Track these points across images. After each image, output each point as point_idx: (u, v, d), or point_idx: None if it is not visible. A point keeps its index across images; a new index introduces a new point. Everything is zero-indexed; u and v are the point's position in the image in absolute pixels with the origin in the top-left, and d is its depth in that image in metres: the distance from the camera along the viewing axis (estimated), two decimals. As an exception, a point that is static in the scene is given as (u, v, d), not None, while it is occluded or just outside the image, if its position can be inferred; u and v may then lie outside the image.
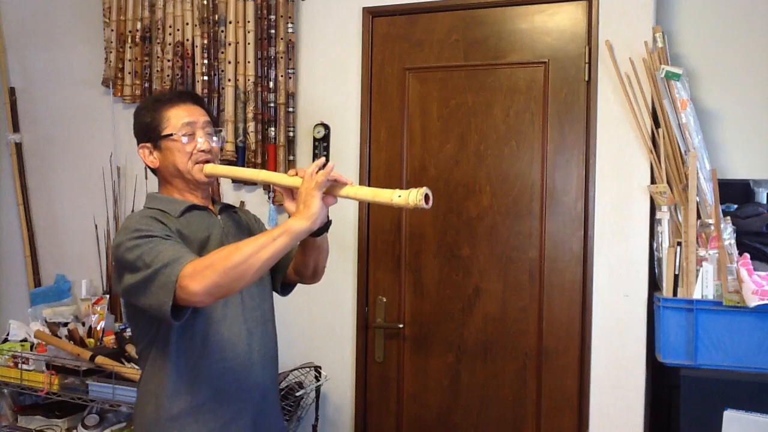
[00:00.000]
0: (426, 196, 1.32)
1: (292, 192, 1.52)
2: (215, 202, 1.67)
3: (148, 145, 1.57)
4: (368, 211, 2.42)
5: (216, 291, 1.34)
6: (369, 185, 2.42)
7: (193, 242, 1.51)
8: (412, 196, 1.32)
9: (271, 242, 1.35)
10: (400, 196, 1.33)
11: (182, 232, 1.50)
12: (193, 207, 1.56)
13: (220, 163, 1.63)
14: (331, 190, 1.42)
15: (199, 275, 1.32)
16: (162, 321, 1.43)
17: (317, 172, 1.39)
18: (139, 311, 1.46)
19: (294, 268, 1.70)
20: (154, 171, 1.62)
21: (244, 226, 1.70)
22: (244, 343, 1.56)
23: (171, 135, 1.54)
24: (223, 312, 1.53)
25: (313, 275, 1.71)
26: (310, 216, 1.37)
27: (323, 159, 1.45)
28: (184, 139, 1.54)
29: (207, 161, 1.56)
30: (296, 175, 1.48)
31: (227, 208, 1.69)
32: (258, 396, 1.59)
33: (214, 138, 1.60)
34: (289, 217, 1.54)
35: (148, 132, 1.56)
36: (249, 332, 1.57)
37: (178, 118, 1.55)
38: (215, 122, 1.67)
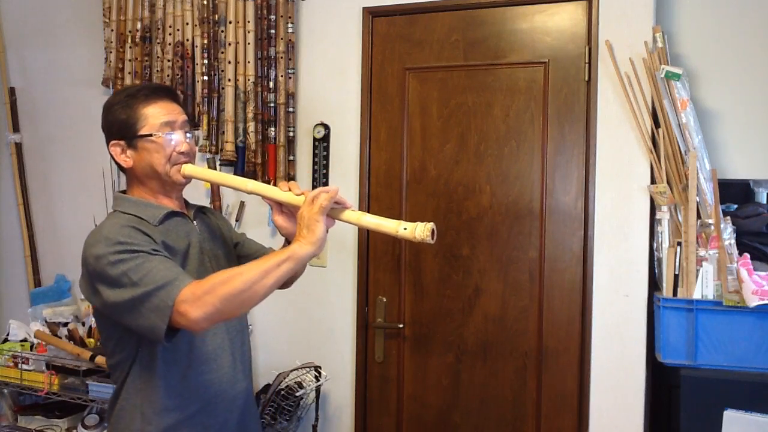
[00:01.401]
0: (432, 231, 1.31)
1: (280, 206, 1.49)
2: (188, 205, 1.61)
3: (121, 143, 1.48)
4: (368, 210, 2.41)
5: (217, 317, 1.30)
6: (369, 186, 2.42)
7: (177, 253, 1.46)
8: (419, 231, 1.30)
9: (275, 268, 1.31)
10: (405, 229, 1.32)
11: (167, 243, 1.44)
12: (171, 214, 1.50)
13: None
14: (333, 213, 1.38)
15: (199, 301, 1.27)
16: (151, 341, 1.39)
17: (320, 196, 1.35)
18: (117, 325, 1.41)
19: None
20: (123, 170, 1.53)
21: (216, 229, 1.64)
22: (228, 353, 1.53)
23: (150, 135, 1.45)
24: None
25: (286, 284, 1.64)
26: (314, 242, 1.33)
27: (333, 186, 1.39)
28: (165, 140, 1.46)
29: (185, 162, 1.50)
30: (290, 190, 1.43)
31: (199, 211, 1.63)
32: (241, 403, 1.57)
33: (188, 135, 1.52)
34: (279, 231, 1.53)
35: (122, 130, 1.47)
36: (231, 341, 1.55)
37: (156, 117, 1.46)
38: (193, 119, 1.60)
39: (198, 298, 1.28)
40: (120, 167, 1.53)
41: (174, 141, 1.47)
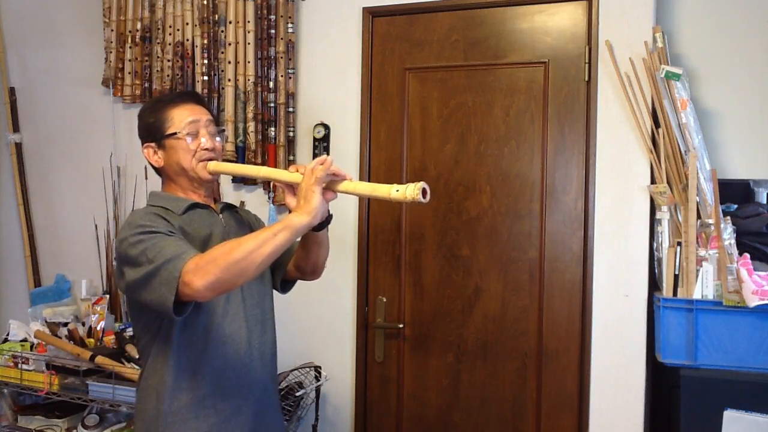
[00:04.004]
0: (423, 190, 1.33)
1: (293, 188, 1.53)
2: (217, 201, 1.69)
3: (152, 144, 1.59)
4: (368, 210, 2.42)
5: (218, 286, 1.35)
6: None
7: (195, 239, 1.52)
8: (409, 190, 1.33)
9: (272, 237, 1.36)
10: (398, 191, 1.34)
11: (185, 229, 1.52)
12: (195, 205, 1.58)
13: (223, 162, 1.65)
14: (331, 185, 1.43)
15: (202, 270, 1.33)
16: (164, 316, 1.45)
17: (316, 168, 1.41)
18: (142, 307, 1.48)
19: (295, 264, 1.72)
20: (157, 170, 1.63)
21: (245, 224, 1.72)
22: (245, 340, 1.58)
23: (175, 134, 1.55)
24: (225, 308, 1.55)
25: (312, 271, 1.73)
26: (310, 211, 1.39)
27: (324, 156, 1.45)
28: (188, 138, 1.56)
29: (210, 159, 1.58)
30: (297, 171, 1.49)
31: (228, 207, 1.71)
32: (258, 392, 1.61)
33: (217, 137, 1.61)
34: (290, 212, 1.54)
35: (152, 132, 1.58)
36: (249, 329, 1.59)
37: (182, 117, 1.57)
38: (217, 121, 1.68)
39: (200, 267, 1.34)
40: (154, 168, 1.63)
41: (199, 138, 1.57)
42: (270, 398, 1.67)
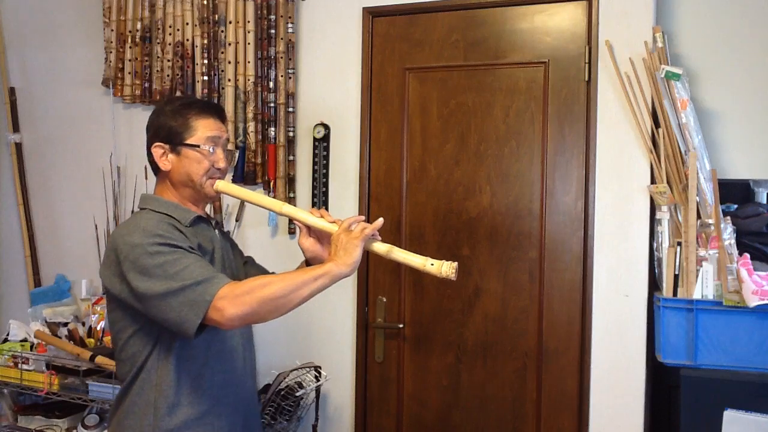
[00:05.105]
0: (456, 270, 1.44)
1: (309, 229, 1.56)
2: (210, 217, 1.68)
3: (166, 146, 1.54)
4: (368, 210, 2.42)
5: (250, 318, 1.37)
6: (369, 186, 2.42)
7: (207, 254, 1.52)
8: (445, 268, 1.44)
9: (312, 281, 1.39)
10: (432, 265, 1.44)
11: (201, 244, 1.50)
12: (199, 218, 1.57)
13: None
14: (366, 242, 1.47)
15: (238, 300, 1.33)
16: (176, 334, 1.41)
17: (360, 224, 1.45)
18: (136, 316, 1.44)
19: None
20: (156, 171, 1.60)
21: (228, 241, 1.73)
22: (240, 355, 1.59)
23: (197, 146, 1.52)
24: None
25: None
26: (350, 263, 1.42)
27: (381, 219, 1.50)
28: (208, 154, 1.53)
29: (218, 178, 1.57)
30: (322, 216, 1.52)
31: (217, 223, 1.70)
32: (249, 407, 1.63)
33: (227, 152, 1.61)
34: (303, 252, 1.60)
35: (170, 135, 1.54)
36: (243, 345, 1.61)
37: (205, 130, 1.54)
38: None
39: (237, 296, 1.34)
40: (154, 169, 1.59)
41: (215, 156, 1.54)
42: (255, 409, 1.70)
